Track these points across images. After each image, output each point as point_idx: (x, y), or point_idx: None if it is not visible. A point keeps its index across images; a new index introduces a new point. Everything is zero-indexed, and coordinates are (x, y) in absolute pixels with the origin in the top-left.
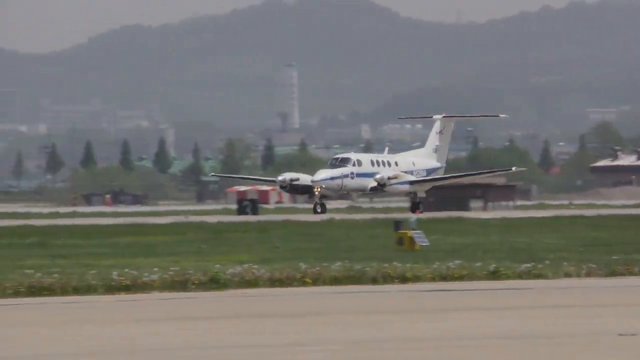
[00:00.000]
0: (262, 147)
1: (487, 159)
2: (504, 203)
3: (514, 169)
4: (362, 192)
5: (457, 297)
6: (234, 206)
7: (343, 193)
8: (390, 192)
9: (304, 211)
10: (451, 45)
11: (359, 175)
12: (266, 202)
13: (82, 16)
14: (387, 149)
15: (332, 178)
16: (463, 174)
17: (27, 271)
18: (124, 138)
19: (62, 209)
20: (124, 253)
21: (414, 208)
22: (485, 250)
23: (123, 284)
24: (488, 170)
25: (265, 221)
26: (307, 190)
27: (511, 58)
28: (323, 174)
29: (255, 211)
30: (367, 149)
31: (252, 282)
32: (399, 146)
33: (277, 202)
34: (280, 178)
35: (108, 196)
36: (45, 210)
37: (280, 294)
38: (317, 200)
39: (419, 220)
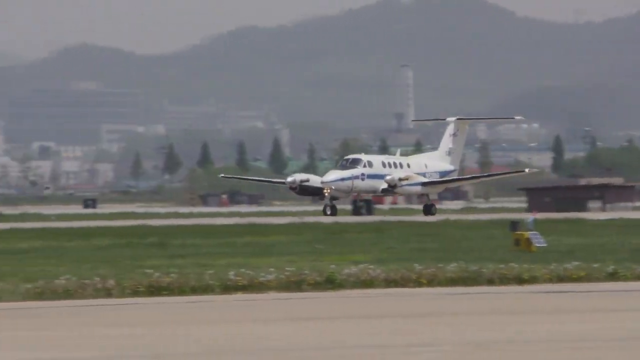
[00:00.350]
0: (377, 147)
1: (606, 158)
2: (622, 204)
3: (527, 170)
4: (373, 193)
5: (574, 299)
6: (349, 207)
7: (353, 194)
8: (401, 193)
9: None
10: (569, 44)
11: (370, 176)
12: (381, 203)
13: (199, 17)
14: (399, 150)
15: (342, 179)
16: (475, 175)
17: (147, 271)
18: (239, 138)
19: (180, 209)
20: (240, 253)
21: (427, 210)
22: (604, 251)
23: (240, 284)
24: (500, 172)
25: (380, 221)
26: (317, 191)
27: (629, 57)
28: (333, 175)
29: (370, 211)
30: (483, 149)
31: (367, 283)
32: (516, 147)
33: (392, 203)
34: (289, 179)
35: (224, 196)
36: (163, 210)
37: (396, 294)
38: (327, 202)
39: (535, 221)
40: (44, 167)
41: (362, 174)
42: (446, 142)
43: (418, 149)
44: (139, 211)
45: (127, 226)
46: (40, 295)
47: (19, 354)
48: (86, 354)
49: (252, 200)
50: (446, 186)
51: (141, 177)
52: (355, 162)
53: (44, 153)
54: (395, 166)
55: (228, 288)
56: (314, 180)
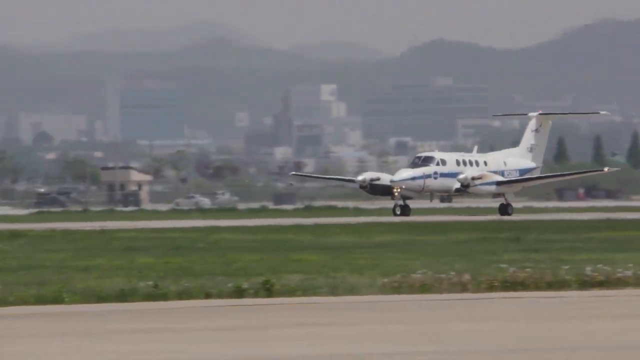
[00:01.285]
0: None
1: None
2: None
3: (606, 169)
4: (447, 193)
5: None
6: None
7: (425, 194)
8: (475, 193)
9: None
10: None
11: (443, 175)
12: None
13: (556, 12)
14: (475, 147)
15: (413, 178)
16: (553, 174)
17: (502, 266)
18: (596, 133)
19: (535, 204)
20: (597, 248)
21: (503, 210)
22: None
23: (597, 279)
24: (577, 172)
25: None
26: (388, 190)
27: None
28: (404, 173)
29: None
30: None
31: None
32: None
33: None
34: (360, 178)
35: (581, 191)
36: (519, 205)
37: None
38: (397, 201)
39: None
40: (401, 161)
41: (435, 173)
42: (528, 138)
43: None
44: (495, 205)
45: (483, 220)
46: (397, 289)
47: (374, 346)
48: (440, 347)
49: (610, 195)
50: (523, 185)
51: None
52: (427, 160)
53: (401, 148)
54: (471, 164)
55: (585, 284)
56: (385, 179)
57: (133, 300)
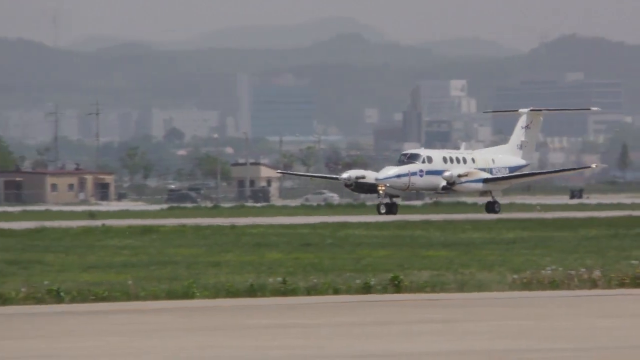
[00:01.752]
0: None
1: None
2: None
3: (593, 165)
4: (434, 191)
5: None
6: None
7: (411, 192)
8: (460, 191)
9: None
10: None
11: (429, 172)
12: None
13: None
14: (463, 144)
15: (398, 176)
16: (540, 172)
17: (632, 262)
18: None
19: None
20: None
21: (490, 208)
22: None
23: None
24: (562, 169)
25: None
26: (373, 188)
27: None
28: (389, 171)
29: None
30: None
31: None
32: None
33: None
34: (344, 176)
35: None
36: None
37: None
38: (381, 200)
39: None
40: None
41: (421, 170)
42: (518, 134)
43: None
44: (626, 202)
45: (614, 217)
46: (526, 286)
47: (503, 342)
48: (571, 344)
49: None
50: (510, 183)
51: (628, 168)
52: (413, 158)
53: None
54: (458, 161)
55: None
56: (370, 177)
57: (262, 296)
